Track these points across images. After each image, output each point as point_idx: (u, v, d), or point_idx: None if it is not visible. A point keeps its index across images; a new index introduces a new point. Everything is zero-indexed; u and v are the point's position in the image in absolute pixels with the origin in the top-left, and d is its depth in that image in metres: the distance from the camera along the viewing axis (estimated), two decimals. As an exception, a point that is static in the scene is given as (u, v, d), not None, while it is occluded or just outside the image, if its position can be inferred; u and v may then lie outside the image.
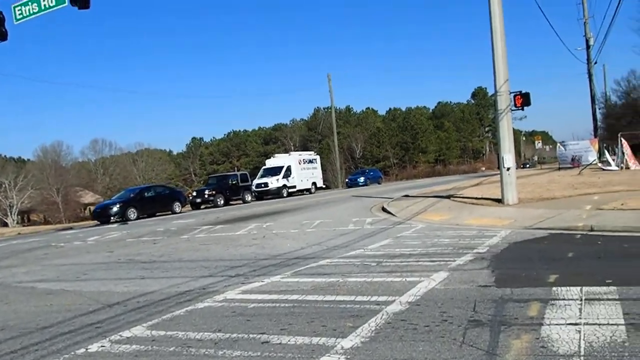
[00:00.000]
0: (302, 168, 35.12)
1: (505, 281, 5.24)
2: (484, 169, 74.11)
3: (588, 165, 23.64)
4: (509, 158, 12.44)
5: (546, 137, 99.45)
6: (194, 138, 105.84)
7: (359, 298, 5.00)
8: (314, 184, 36.58)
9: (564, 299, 4.38)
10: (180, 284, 6.49)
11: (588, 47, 31.15)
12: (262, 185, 32.43)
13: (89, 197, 62.28)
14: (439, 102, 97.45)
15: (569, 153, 27.29)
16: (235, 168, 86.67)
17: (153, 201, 24.81)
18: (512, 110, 12.69)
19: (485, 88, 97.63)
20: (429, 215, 12.59)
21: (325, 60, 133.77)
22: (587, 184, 14.44)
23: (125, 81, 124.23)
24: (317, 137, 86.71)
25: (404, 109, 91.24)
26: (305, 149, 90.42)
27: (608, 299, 4.30)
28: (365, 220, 12.97)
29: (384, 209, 15.13)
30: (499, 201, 12.84)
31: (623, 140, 21.38)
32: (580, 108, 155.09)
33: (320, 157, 46.27)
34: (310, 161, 37.30)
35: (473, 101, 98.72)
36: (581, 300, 4.33)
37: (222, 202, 28.10)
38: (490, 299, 4.57)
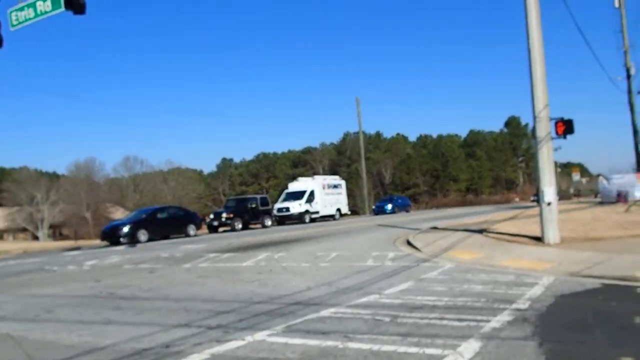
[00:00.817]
0: (326, 193, 33.97)
1: (559, 362, 3.90)
2: (517, 200, 71.54)
3: (636, 201, 21.62)
4: (549, 191, 10.99)
5: (582, 170, 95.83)
6: (224, 158, 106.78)
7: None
8: (339, 210, 35.32)
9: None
10: (144, 335, 5.32)
11: (629, 76, 29.33)
12: (284, 210, 31.38)
13: (119, 214, 62.92)
14: (470, 130, 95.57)
15: (613, 187, 25.16)
16: (264, 190, 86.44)
17: (166, 223, 23.96)
18: (553, 138, 11.28)
19: (519, 117, 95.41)
20: (459, 253, 11.18)
21: (356, 82, 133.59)
22: (638, 223, 12.77)
23: (157, 99, 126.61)
24: (346, 162, 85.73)
25: (434, 136, 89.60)
26: (334, 173, 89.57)
27: None
28: (386, 255, 11.66)
29: (409, 243, 13.77)
30: (538, 239, 11.35)
31: None
32: (619, 140, 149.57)
33: (349, 183, 45.19)
34: (335, 186, 36.10)
35: (506, 130, 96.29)
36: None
37: (240, 226, 27.13)
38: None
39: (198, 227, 25.82)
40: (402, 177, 77.79)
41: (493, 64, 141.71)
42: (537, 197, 11.33)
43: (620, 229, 12.04)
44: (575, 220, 15.25)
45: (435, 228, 17.31)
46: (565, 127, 11.03)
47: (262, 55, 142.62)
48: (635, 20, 61.43)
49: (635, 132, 27.88)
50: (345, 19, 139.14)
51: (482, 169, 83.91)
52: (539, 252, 10.13)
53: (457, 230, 15.82)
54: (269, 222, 29.30)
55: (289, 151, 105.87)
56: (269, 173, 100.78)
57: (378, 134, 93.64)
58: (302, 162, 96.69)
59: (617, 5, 27.63)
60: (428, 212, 42.30)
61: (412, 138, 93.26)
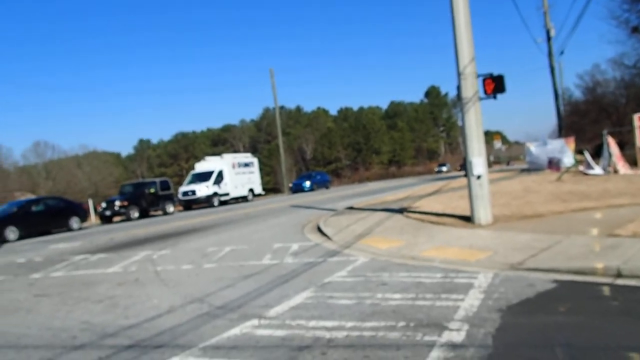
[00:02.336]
0: (236, 173, 31.00)
1: None
2: (444, 169, 72.46)
3: (569, 168, 20.83)
4: (479, 163, 9.22)
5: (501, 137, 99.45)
6: (141, 140, 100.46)
7: None
8: (251, 190, 32.65)
9: None
10: None
11: (549, 38, 28.86)
12: (189, 193, 28.28)
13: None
14: (391, 102, 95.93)
15: (542, 154, 24.38)
16: (184, 171, 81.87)
17: (43, 217, 20.35)
18: (481, 99, 9.50)
19: (439, 87, 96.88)
20: (375, 241, 9.19)
21: (274, 58, 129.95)
22: (576, 194, 11.46)
23: (66, 80, 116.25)
24: (266, 139, 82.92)
25: (355, 109, 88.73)
26: (254, 150, 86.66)
27: None
28: (289, 248, 9.50)
29: (319, 229, 11.65)
30: (467, 219, 9.64)
31: (610, 139, 18.56)
32: (536, 106, 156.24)
33: (270, 159, 42.74)
34: (247, 164, 33.07)
35: (426, 100, 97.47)
36: None
37: (136, 214, 23.87)
38: None
39: (84, 219, 22.26)
40: (324, 151, 76.22)
41: (411, 36, 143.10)
42: (464, 168, 9.54)
43: (558, 201, 10.59)
44: (506, 192, 13.79)
45: (351, 208, 15.38)
46: (495, 85, 9.26)
47: (177, 34, 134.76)
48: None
49: (556, 96, 27.48)
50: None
51: (404, 140, 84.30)
52: (470, 236, 8.35)
53: (375, 210, 13.94)
54: (171, 209, 26.14)
55: (208, 130, 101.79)
56: (188, 153, 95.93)
57: (298, 109, 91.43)
58: (222, 141, 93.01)
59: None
60: (349, 188, 40.29)
61: (333, 112, 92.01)
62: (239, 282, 7.05)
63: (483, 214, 9.18)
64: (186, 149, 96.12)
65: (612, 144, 18.47)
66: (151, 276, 8.24)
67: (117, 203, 23.59)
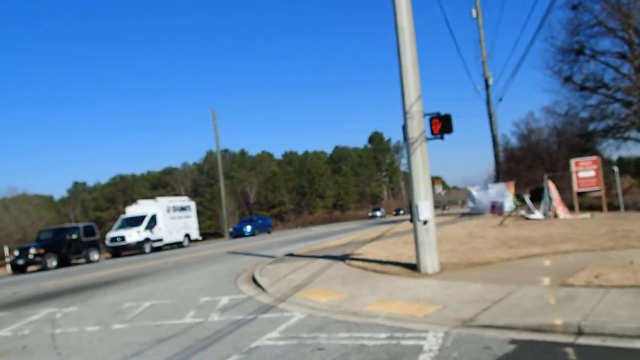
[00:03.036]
0: (171, 217, 29.15)
1: None
2: (379, 214, 72.73)
3: (511, 213, 20.82)
4: (425, 207, 8.62)
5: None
6: (76, 182, 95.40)
7: None
8: (188, 236, 30.74)
9: None
10: None
11: (487, 86, 29.85)
12: (118, 239, 26.18)
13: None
14: (336, 147, 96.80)
15: (485, 198, 24.41)
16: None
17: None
18: (429, 139, 9.02)
19: (382, 133, 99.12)
20: (314, 293, 8.28)
21: (218, 99, 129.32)
22: (522, 240, 11.12)
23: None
24: (209, 182, 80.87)
25: (301, 153, 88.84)
26: (197, 194, 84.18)
27: None
28: (218, 303, 8.39)
29: (254, 279, 10.59)
30: (413, 268, 8.95)
31: (550, 184, 18.75)
32: (473, 152, 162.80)
33: (213, 204, 41.03)
34: (183, 209, 31.25)
35: (370, 146, 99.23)
36: None
37: (54, 263, 21.58)
38: None
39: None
40: (268, 195, 75.05)
41: (357, 85, 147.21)
42: (407, 211, 8.92)
43: (504, 247, 10.15)
44: (451, 238, 13.35)
45: (292, 255, 14.41)
46: (443, 125, 8.82)
47: (115, 71, 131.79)
48: (492, 31, 66.43)
49: (495, 142, 28.07)
50: (203, 31, 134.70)
51: (349, 185, 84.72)
52: (416, 287, 7.61)
53: (316, 257, 13.05)
54: (96, 257, 23.93)
55: (149, 173, 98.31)
56: (127, 197, 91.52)
57: (243, 152, 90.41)
58: (163, 184, 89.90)
59: (474, 15, 27.84)
60: (292, 233, 39.18)
61: (278, 156, 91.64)
62: (149, 349, 5.90)
63: (430, 262, 8.51)
64: (124, 193, 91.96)
65: (552, 189, 18.69)
66: (45, 342, 6.88)
67: (32, 251, 21.26)
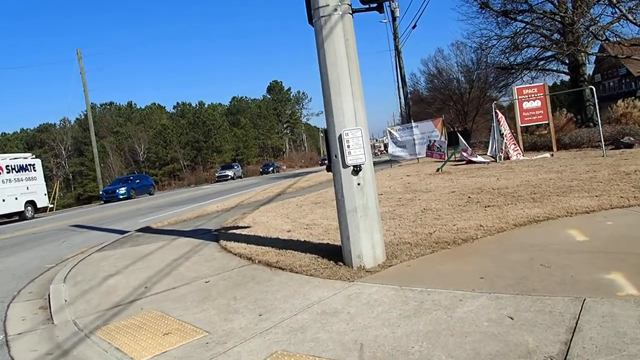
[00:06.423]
0: (4, 180, 22.12)
1: None
2: (284, 167, 68.80)
3: (453, 154, 17.03)
4: (356, 139, 4.44)
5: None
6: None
7: None
8: (32, 203, 23.46)
9: None
10: None
11: (394, 19, 26.15)
12: None
13: None
14: (233, 97, 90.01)
15: (410, 141, 19.17)
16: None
17: None
18: (354, 11, 4.75)
19: (281, 82, 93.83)
20: (138, 329, 3.95)
21: (98, 48, 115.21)
22: (493, 193, 7.37)
23: None
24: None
25: (194, 104, 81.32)
26: (80, 153, 74.23)
27: None
28: None
29: (49, 296, 5.92)
30: (336, 255, 4.83)
31: (500, 116, 15.18)
32: (377, 94, 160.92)
33: (94, 162, 34.16)
34: (24, 168, 23.75)
35: (269, 96, 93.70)
36: None
37: None
38: None
39: None
40: (159, 151, 67.43)
41: (254, 34, 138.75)
42: (327, 159, 4.62)
43: (476, 206, 6.29)
44: (382, 193, 9.16)
45: (148, 229, 9.69)
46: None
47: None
48: None
49: (403, 80, 24.71)
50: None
51: (248, 137, 79.22)
52: (349, 309, 3.51)
53: (182, 232, 8.51)
54: None
55: (22, 131, 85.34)
56: (-6, 157, 79.02)
57: (130, 105, 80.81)
58: (39, 143, 78.18)
59: None
60: (178, 193, 32.43)
61: (170, 108, 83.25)
62: None
63: (369, 247, 4.45)
64: (-9, 153, 79.18)
65: (504, 124, 14.95)
66: None
67: None
